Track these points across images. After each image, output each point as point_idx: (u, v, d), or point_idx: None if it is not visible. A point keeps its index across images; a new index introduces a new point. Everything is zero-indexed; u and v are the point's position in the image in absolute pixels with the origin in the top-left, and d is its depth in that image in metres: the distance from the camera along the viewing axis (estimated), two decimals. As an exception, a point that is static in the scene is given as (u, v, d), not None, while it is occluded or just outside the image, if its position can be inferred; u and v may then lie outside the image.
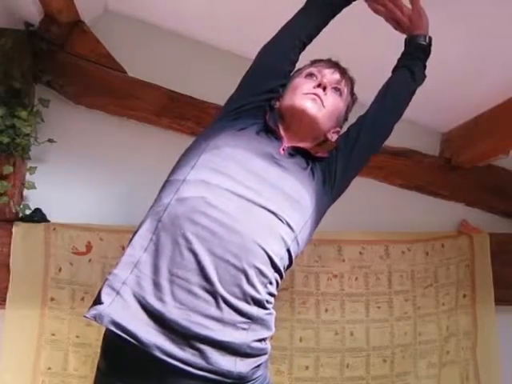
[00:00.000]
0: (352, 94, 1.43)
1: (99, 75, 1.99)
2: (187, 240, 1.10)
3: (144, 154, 2.02)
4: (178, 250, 1.10)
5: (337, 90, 1.37)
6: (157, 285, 1.08)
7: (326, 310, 2.01)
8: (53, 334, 1.81)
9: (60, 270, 1.84)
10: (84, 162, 2.01)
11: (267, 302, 1.17)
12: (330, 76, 1.37)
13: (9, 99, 1.84)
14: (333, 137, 1.40)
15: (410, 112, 2.16)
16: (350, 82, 1.42)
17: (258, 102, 1.34)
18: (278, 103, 1.38)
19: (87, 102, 1.99)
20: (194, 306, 1.07)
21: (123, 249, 1.86)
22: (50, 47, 1.94)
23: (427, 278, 2.09)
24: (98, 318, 1.06)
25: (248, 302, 1.12)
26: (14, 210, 1.85)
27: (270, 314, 1.18)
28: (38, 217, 1.89)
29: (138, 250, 1.13)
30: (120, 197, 1.98)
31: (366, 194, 2.18)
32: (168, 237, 1.12)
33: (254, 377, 1.15)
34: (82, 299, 1.84)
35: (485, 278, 2.12)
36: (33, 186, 1.92)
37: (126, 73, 2.01)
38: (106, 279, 1.13)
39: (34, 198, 1.93)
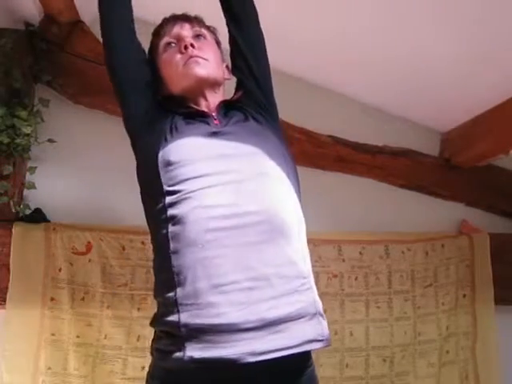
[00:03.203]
0: (209, 27, 1.40)
1: (99, 75, 1.97)
2: (209, 249, 1.08)
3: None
4: (207, 264, 1.08)
5: (198, 36, 1.35)
6: (207, 305, 1.06)
7: (326, 310, 2.00)
8: (53, 334, 1.81)
9: (60, 270, 1.84)
10: (84, 162, 2.01)
11: (304, 251, 1.19)
12: (182, 31, 1.34)
13: (9, 99, 1.84)
14: (228, 74, 1.41)
15: (410, 112, 2.20)
16: (200, 20, 1.39)
17: (151, 102, 1.31)
18: (165, 89, 1.34)
19: (87, 102, 1.99)
20: (252, 299, 1.06)
21: (123, 249, 1.89)
22: (49, 47, 1.93)
23: (427, 277, 2.10)
24: (183, 366, 1.05)
25: (295, 263, 1.13)
26: (13, 210, 1.85)
27: (309, 263, 1.21)
28: (38, 217, 1.88)
29: (170, 290, 1.10)
30: (120, 197, 1.97)
31: (366, 194, 2.19)
32: (189, 259, 1.09)
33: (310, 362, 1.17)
34: (82, 299, 1.84)
35: (485, 278, 2.12)
36: (33, 186, 1.92)
37: (125, 73, 2.01)
38: (166, 332, 1.11)
39: (34, 198, 1.93)
